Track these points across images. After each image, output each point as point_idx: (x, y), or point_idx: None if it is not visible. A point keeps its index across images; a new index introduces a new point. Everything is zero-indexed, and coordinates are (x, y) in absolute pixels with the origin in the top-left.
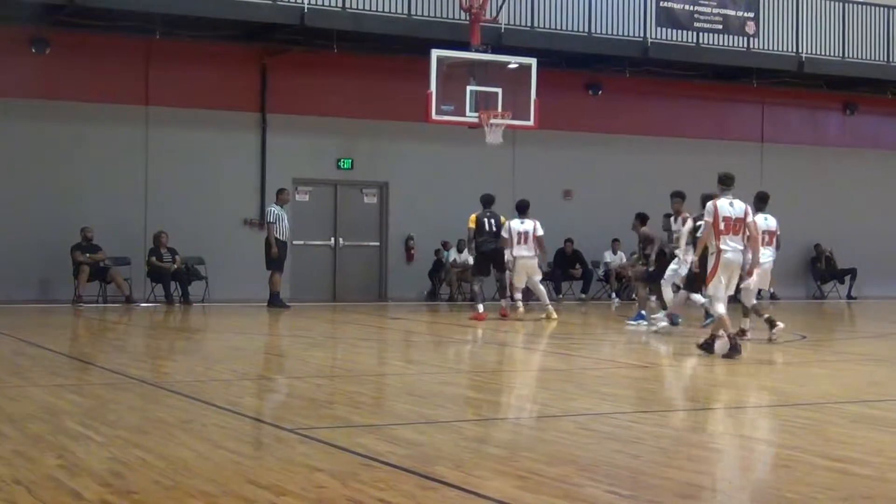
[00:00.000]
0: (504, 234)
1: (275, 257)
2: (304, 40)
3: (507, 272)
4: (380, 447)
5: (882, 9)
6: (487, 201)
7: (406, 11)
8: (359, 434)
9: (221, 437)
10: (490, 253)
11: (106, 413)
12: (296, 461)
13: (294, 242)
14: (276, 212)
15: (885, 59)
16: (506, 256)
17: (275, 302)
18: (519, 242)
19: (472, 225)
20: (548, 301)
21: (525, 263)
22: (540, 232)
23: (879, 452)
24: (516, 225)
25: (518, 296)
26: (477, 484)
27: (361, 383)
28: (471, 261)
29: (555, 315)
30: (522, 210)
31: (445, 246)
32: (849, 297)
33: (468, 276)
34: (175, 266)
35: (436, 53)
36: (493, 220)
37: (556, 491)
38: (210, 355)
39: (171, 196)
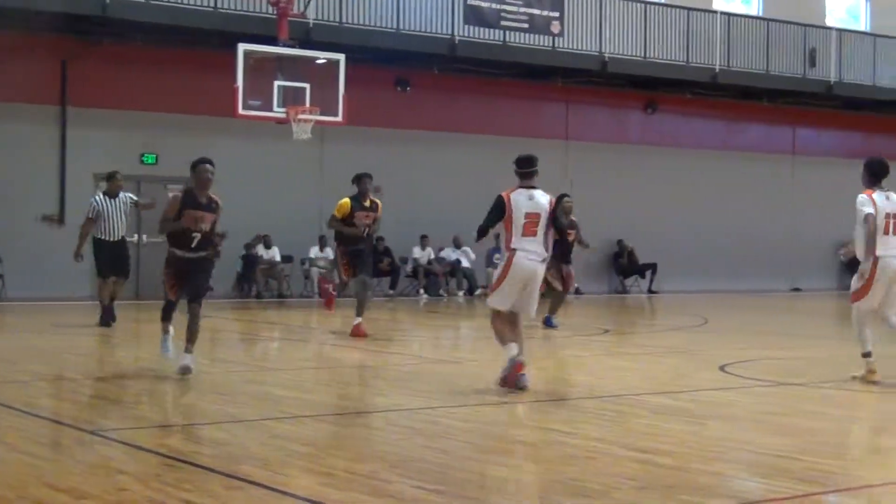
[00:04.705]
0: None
1: (78, 260)
2: (108, 32)
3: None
4: (185, 447)
5: (682, 11)
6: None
7: (213, 4)
8: (163, 434)
9: (17, 440)
10: None
11: None
12: (97, 464)
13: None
14: (94, 204)
15: (685, 60)
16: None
17: (102, 318)
18: None
19: None
20: None
21: None
22: None
23: (681, 443)
24: None
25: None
26: (284, 482)
27: (166, 383)
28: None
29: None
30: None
31: (266, 242)
32: (649, 291)
33: (275, 273)
34: None
35: (242, 48)
36: None
37: (363, 487)
38: (5, 356)
39: None
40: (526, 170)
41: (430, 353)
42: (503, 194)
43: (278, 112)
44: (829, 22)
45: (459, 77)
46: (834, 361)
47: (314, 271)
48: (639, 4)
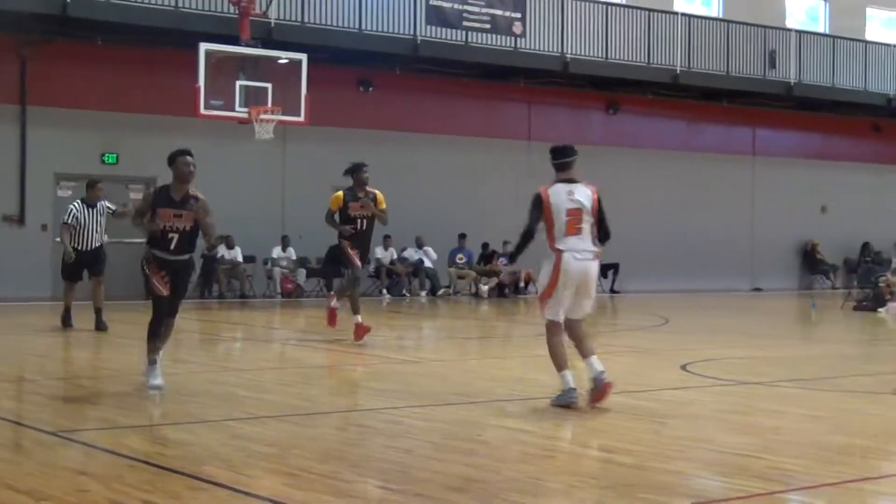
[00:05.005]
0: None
1: (66, 265)
2: (67, 31)
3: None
4: (147, 448)
5: (643, 12)
6: None
7: (174, 4)
8: (125, 435)
9: None
10: None
11: None
12: (58, 465)
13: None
14: (74, 211)
15: (646, 61)
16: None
17: (64, 320)
18: None
19: None
20: None
21: None
22: None
23: (642, 442)
24: None
25: None
26: (247, 483)
27: (127, 384)
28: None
29: None
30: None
31: (228, 242)
32: (611, 291)
33: (237, 273)
34: None
35: (204, 47)
36: None
37: (326, 488)
38: None
39: None
40: (561, 160)
41: (393, 354)
42: (541, 189)
43: (240, 112)
44: (789, 24)
45: (421, 77)
46: (794, 361)
47: (276, 271)
48: (600, 6)
